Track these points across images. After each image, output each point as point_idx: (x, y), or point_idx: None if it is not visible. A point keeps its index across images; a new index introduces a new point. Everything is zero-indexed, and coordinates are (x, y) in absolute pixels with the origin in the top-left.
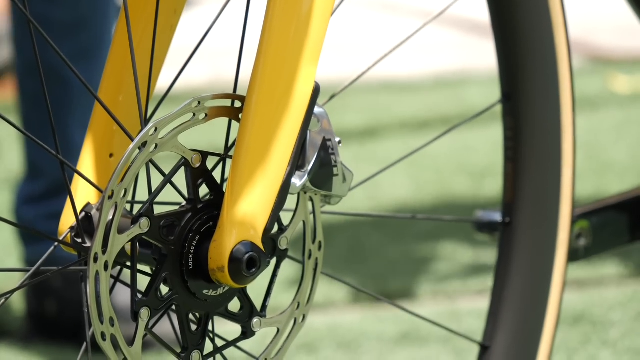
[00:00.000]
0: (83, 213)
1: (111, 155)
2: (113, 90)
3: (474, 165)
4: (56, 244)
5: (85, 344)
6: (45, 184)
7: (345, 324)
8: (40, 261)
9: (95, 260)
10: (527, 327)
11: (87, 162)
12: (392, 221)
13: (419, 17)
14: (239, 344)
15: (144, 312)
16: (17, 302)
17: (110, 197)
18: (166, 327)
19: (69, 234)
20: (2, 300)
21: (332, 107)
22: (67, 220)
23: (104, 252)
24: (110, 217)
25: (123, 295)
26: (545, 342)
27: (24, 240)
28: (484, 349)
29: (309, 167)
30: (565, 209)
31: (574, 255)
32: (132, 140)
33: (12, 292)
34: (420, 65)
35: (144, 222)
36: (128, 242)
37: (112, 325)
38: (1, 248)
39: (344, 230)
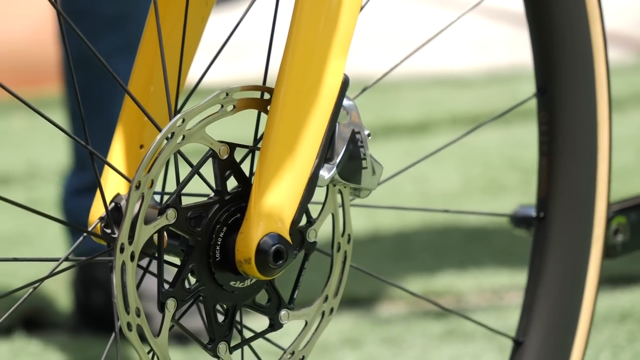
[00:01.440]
0: (112, 204)
1: (141, 147)
2: (144, 81)
3: (525, 160)
4: (85, 234)
5: (114, 334)
6: (92, 176)
7: (390, 319)
8: (69, 252)
9: (122, 250)
10: (561, 323)
11: (117, 153)
12: (440, 217)
13: (473, 12)
14: (267, 336)
15: (171, 303)
16: (65, 294)
17: (137, 188)
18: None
19: (98, 224)
20: (30, 290)
21: (384, 101)
22: (97, 211)
23: (130, 243)
24: (137, 208)
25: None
26: (579, 339)
27: (72, 232)
28: (518, 344)
29: (338, 160)
30: (600, 205)
31: (611, 252)
32: (160, 131)
33: (40, 281)
34: (473, 60)
35: (171, 213)
36: (155, 233)
37: (138, 316)
38: (51, 239)
39: (392, 226)
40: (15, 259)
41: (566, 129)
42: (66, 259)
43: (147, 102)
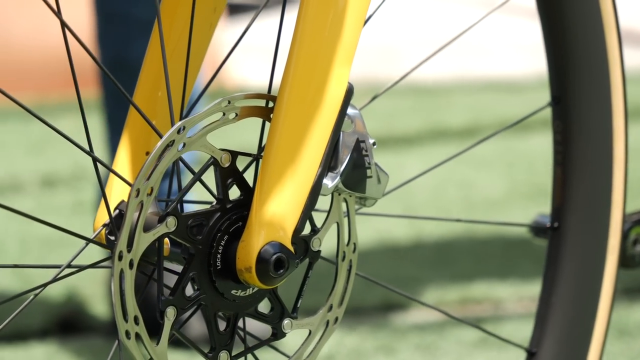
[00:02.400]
0: (117, 211)
1: (147, 154)
2: (151, 86)
3: None
4: (87, 242)
5: (117, 342)
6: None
7: (424, 326)
8: (71, 258)
9: (120, 258)
10: (575, 335)
11: (122, 160)
12: (482, 225)
13: (524, 16)
14: (272, 343)
15: (170, 311)
16: (101, 297)
17: (137, 195)
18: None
19: (102, 231)
20: (31, 297)
21: (433, 105)
22: (102, 218)
23: (129, 250)
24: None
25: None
26: (594, 351)
27: None
28: (531, 355)
29: (342, 169)
30: (616, 215)
31: (630, 262)
32: (161, 137)
33: (43, 286)
34: (525, 65)
35: (171, 221)
36: (154, 241)
37: (137, 324)
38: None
39: (434, 233)
40: (15, 266)
41: (581, 139)
42: (68, 266)
43: (155, 107)
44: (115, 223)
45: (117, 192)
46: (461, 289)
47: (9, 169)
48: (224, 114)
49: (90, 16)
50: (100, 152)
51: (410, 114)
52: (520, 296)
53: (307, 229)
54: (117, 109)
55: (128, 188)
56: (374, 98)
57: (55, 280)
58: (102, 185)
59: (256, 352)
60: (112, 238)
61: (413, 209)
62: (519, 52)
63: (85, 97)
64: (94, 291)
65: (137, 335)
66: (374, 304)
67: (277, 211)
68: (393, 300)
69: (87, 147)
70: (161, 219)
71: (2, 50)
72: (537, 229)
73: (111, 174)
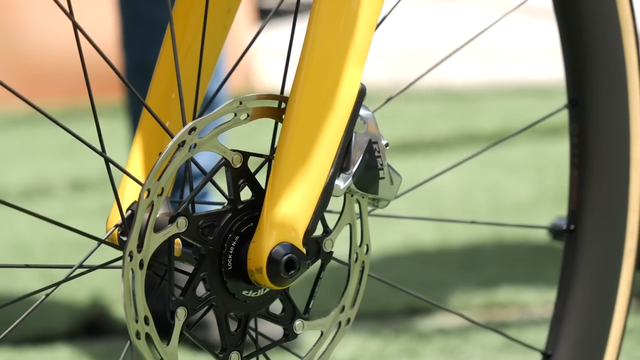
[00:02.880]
0: (129, 211)
1: (160, 154)
2: (165, 87)
3: None
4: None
5: (129, 342)
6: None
7: (449, 330)
8: (83, 259)
9: (131, 258)
10: (591, 337)
11: (136, 161)
12: (511, 228)
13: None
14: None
15: (181, 312)
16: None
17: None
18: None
19: (115, 231)
20: (43, 297)
21: (464, 110)
22: (114, 218)
23: (139, 251)
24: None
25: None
26: (610, 354)
27: None
28: (546, 357)
29: (354, 170)
30: (633, 218)
31: None
32: (172, 138)
33: (56, 285)
34: (555, 70)
35: (182, 222)
36: (164, 241)
37: (147, 324)
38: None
39: (462, 237)
40: (27, 266)
41: (598, 141)
42: (80, 266)
43: (169, 109)
44: (128, 224)
45: (130, 192)
46: (487, 293)
47: (39, 173)
48: (235, 115)
49: (114, 20)
50: (117, 154)
51: (440, 118)
52: (545, 301)
53: (319, 230)
54: (141, 113)
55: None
56: (388, 100)
57: (66, 279)
58: (114, 185)
59: (267, 353)
60: (125, 239)
61: (441, 212)
62: (550, 57)
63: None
64: (119, 294)
65: (148, 336)
66: (399, 308)
67: (289, 212)
68: (418, 304)
69: (99, 148)
70: (172, 220)
71: (35, 55)
72: (555, 232)
73: (124, 175)
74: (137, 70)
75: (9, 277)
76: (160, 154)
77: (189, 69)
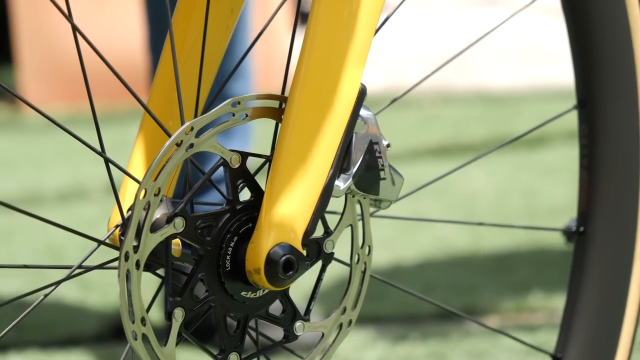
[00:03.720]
0: (130, 212)
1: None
2: (168, 88)
3: None
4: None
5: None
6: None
7: (478, 333)
8: (83, 259)
9: (127, 258)
10: (600, 341)
11: (137, 162)
12: (545, 232)
13: None
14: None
15: (178, 313)
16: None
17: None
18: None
19: (115, 231)
20: (41, 297)
21: (502, 114)
22: (115, 219)
23: (135, 251)
24: (155, 216)
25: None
26: (620, 357)
27: None
28: None
29: (354, 170)
30: None
31: None
32: (170, 137)
33: (57, 284)
34: None
35: (179, 222)
36: (162, 241)
37: (144, 325)
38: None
39: (495, 241)
40: (25, 266)
41: (607, 142)
42: (79, 267)
43: (172, 109)
44: (128, 224)
45: (132, 193)
46: (517, 297)
47: (76, 176)
48: (233, 115)
49: (141, 22)
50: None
51: (477, 122)
52: None
53: (320, 231)
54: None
55: None
56: (393, 101)
57: (66, 279)
58: (114, 186)
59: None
60: (124, 239)
61: (475, 216)
62: None
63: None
64: (149, 297)
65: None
66: (429, 312)
67: (287, 213)
68: (451, 307)
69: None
70: (169, 220)
71: (75, 58)
72: (569, 233)
73: (125, 176)
74: None
75: (39, 278)
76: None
77: (191, 69)
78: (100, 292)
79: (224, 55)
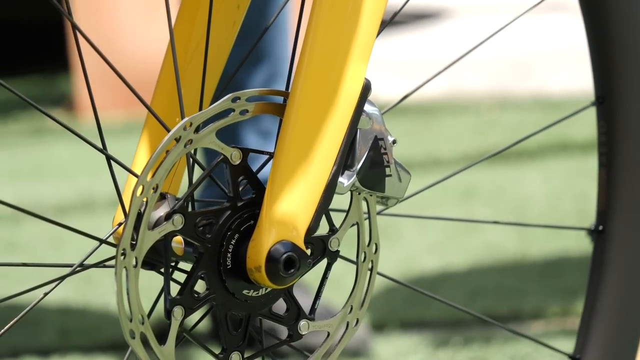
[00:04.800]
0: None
1: (167, 152)
2: (173, 83)
3: None
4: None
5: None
6: None
7: (520, 338)
8: (84, 258)
9: (124, 256)
10: (619, 342)
11: (141, 160)
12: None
13: None
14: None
15: (178, 311)
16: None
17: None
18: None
19: (117, 230)
20: (41, 296)
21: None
22: (119, 217)
23: (133, 248)
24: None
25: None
26: None
27: None
28: None
29: (358, 167)
30: None
31: None
32: (169, 132)
33: (58, 281)
34: None
35: (178, 219)
36: (160, 239)
37: (142, 324)
38: None
39: (545, 245)
40: (24, 264)
41: (626, 140)
42: (80, 265)
43: (177, 105)
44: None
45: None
46: (564, 302)
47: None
48: (234, 110)
49: None
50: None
51: (535, 127)
52: None
53: (326, 229)
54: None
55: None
56: (404, 98)
57: (66, 276)
58: (116, 184)
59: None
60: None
61: (527, 221)
62: None
63: None
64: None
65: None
66: (474, 317)
67: (289, 210)
68: (494, 312)
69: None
70: (168, 217)
71: (132, 63)
72: (593, 233)
73: (129, 174)
74: None
75: (86, 283)
76: (167, 152)
77: (198, 66)
78: (146, 297)
79: (261, 58)
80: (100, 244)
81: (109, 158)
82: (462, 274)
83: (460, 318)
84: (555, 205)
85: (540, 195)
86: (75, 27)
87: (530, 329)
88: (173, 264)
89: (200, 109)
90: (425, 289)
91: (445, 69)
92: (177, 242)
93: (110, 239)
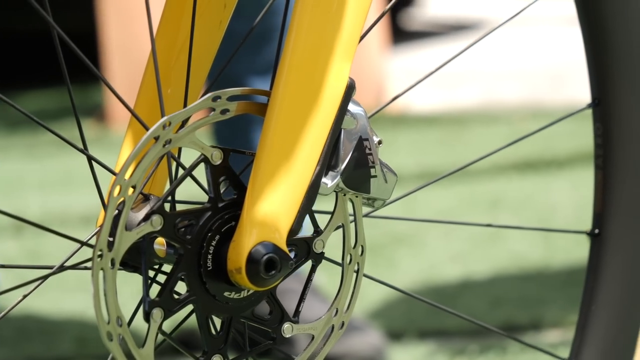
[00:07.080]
0: (116, 211)
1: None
2: (156, 84)
3: None
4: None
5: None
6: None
7: (540, 346)
8: (64, 260)
9: (101, 257)
10: (616, 345)
11: (123, 161)
12: None
13: None
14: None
15: (157, 313)
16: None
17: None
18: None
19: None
20: (21, 298)
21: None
22: (102, 218)
23: (110, 249)
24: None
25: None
26: None
27: None
28: None
29: (342, 167)
30: None
31: None
32: (148, 130)
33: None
34: None
35: (156, 220)
36: (138, 240)
37: (120, 326)
38: None
39: (569, 254)
40: (2, 266)
41: (622, 142)
42: (60, 267)
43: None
44: (114, 224)
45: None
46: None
47: None
48: (214, 110)
49: None
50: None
51: (566, 137)
52: None
53: (310, 231)
54: (223, 126)
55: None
56: (393, 99)
57: (46, 277)
58: (98, 185)
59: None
60: (110, 239)
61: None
62: None
63: None
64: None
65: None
66: (496, 325)
67: (271, 210)
68: (516, 321)
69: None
70: (146, 217)
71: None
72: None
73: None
74: (217, 81)
75: None
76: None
77: (184, 66)
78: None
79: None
80: (81, 246)
81: (89, 158)
82: (484, 282)
83: (479, 327)
84: (580, 214)
85: (567, 205)
86: (53, 28)
87: (547, 338)
88: (156, 266)
89: (185, 106)
90: (446, 298)
91: (425, 77)
92: (160, 243)
93: (92, 241)
